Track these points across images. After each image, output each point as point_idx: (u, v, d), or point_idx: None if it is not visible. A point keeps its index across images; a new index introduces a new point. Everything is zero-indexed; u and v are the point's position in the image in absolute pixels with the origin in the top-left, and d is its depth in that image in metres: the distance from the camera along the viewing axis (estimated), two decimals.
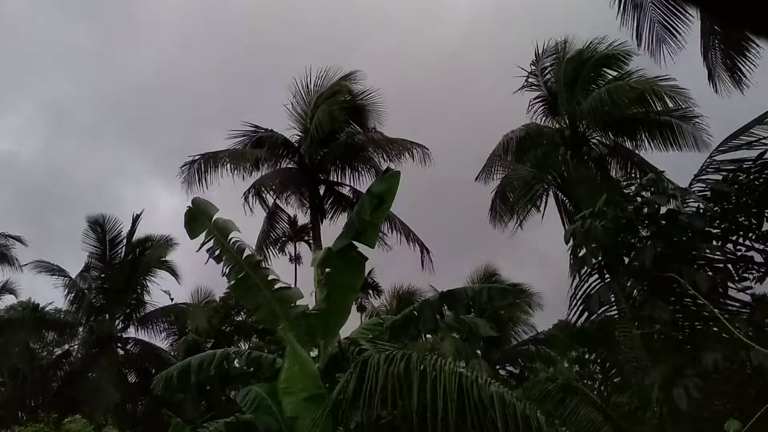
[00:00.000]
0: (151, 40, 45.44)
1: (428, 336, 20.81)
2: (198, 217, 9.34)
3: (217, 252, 9.20)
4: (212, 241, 9.24)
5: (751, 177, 7.10)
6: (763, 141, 7.18)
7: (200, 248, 9.24)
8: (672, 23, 11.66)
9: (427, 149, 22.17)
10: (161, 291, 25.05)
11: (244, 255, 9.14)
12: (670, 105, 17.55)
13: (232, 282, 9.25)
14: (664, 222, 6.99)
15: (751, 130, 7.34)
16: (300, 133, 22.95)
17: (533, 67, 19.73)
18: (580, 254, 7.14)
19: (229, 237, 9.17)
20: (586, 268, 7.17)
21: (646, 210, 7.07)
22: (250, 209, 22.37)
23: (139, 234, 24.76)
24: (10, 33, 43.70)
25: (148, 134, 43.48)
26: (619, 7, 11.56)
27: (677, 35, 11.70)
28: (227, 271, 9.22)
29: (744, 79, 11.60)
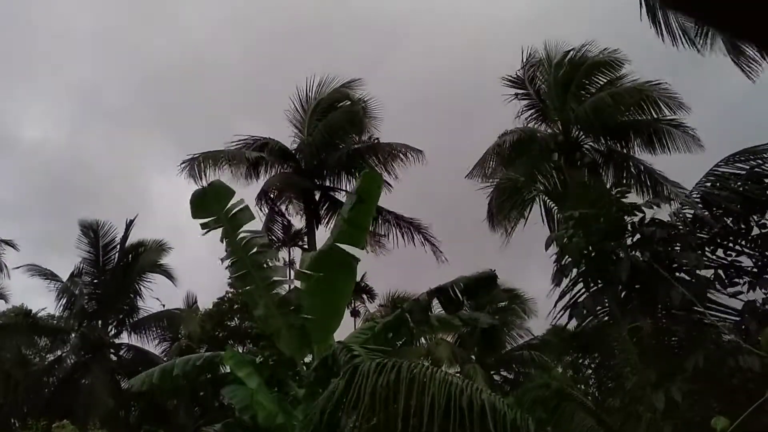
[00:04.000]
0: (185, 24, 44.87)
1: (423, 341, 20.88)
2: (210, 201, 9.11)
3: (225, 242, 9.14)
4: (220, 230, 9.10)
5: (742, 184, 7.14)
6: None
7: (205, 233, 9.13)
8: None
9: (422, 152, 22.21)
10: (154, 297, 24.98)
11: (250, 251, 9.02)
12: (665, 111, 17.64)
13: (234, 276, 9.26)
14: (646, 230, 6.99)
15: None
16: (298, 138, 23.05)
17: (520, 73, 19.73)
18: (562, 263, 7.15)
19: (240, 229, 9.05)
20: (567, 277, 7.18)
21: (630, 218, 7.08)
22: (263, 213, 22.58)
23: (133, 239, 24.74)
24: (40, 16, 43.35)
25: (178, 122, 42.93)
26: (647, 12, 11.56)
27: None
28: (230, 264, 9.20)
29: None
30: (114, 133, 45.51)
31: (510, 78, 19.75)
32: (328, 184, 23.55)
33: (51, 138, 44.92)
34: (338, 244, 8.79)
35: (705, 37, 11.26)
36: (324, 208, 23.44)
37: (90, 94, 44.52)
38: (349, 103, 22.60)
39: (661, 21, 11.36)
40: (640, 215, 7.00)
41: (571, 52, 18.69)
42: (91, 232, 24.10)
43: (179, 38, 44.31)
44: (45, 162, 42.84)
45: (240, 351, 25.24)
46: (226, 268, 9.32)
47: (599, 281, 7.09)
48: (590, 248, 6.84)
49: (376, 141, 22.68)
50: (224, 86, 40.41)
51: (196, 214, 9.09)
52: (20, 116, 45.56)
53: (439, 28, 42.90)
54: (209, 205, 9.08)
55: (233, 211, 9.09)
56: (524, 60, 19.61)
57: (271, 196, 22.87)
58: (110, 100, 44.97)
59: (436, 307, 10.79)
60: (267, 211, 23.40)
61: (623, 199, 7.17)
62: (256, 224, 21.51)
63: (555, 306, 7.41)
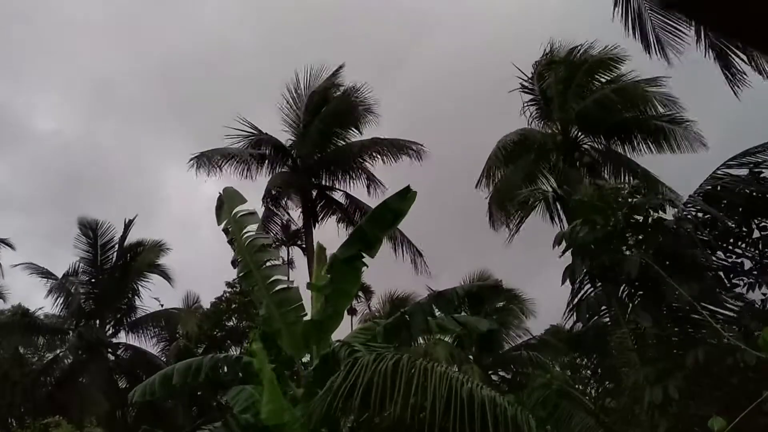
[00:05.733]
0: (201, 15, 44.60)
1: (421, 341, 20.86)
2: (224, 207, 9.54)
3: (233, 244, 9.36)
4: (230, 232, 9.39)
5: (743, 187, 7.17)
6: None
7: (228, 239, 9.43)
8: (673, 27, 11.69)
9: (423, 147, 22.21)
10: (153, 297, 24.95)
11: (253, 251, 9.16)
12: (661, 110, 17.67)
13: (240, 276, 9.40)
14: (652, 230, 7.03)
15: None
16: (293, 137, 23.02)
17: (531, 72, 19.75)
18: (570, 263, 7.18)
19: (244, 231, 9.27)
20: (577, 276, 7.20)
21: (635, 217, 7.11)
22: (270, 211, 22.57)
23: (142, 234, 24.80)
24: (53, 6, 43.03)
25: (192, 114, 42.61)
26: (622, 16, 11.58)
27: (679, 38, 11.72)
28: (237, 265, 9.39)
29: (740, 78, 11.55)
30: (127, 125, 45.33)
31: (517, 77, 19.81)
32: (324, 182, 23.52)
33: (64, 129, 44.73)
34: (361, 252, 8.81)
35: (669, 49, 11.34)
36: (320, 206, 23.40)
37: (104, 85, 44.35)
38: (340, 96, 22.43)
39: (636, 25, 11.40)
40: (646, 213, 7.02)
41: (575, 51, 18.68)
42: (90, 231, 24.05)
43: (195, 29, 44.13)
44: (57, 153, 42.68)
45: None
46: (236, 269, 9.55)
47: (605, 280, 7.11)
48: (597, 246, 6.85)
49: (371, 138, 22.60)
50: (241, 78, 40.16)
51: (219, 222, 9.56)
52: (33, 107, 45.29)
53: (466, 21, 42.67)
54: (224, 211, 9.52)
55: (240, 214, 9.42)
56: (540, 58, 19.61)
57: (273, 194, 22.86)
58: (124, 91, 44.77)
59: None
60: (269, 210, 23.38)
61: (631, 199, 7.18)
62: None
63: (570, 304, 7.41)
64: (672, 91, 17.49)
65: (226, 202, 9.56)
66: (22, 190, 41.54)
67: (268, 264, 9.22)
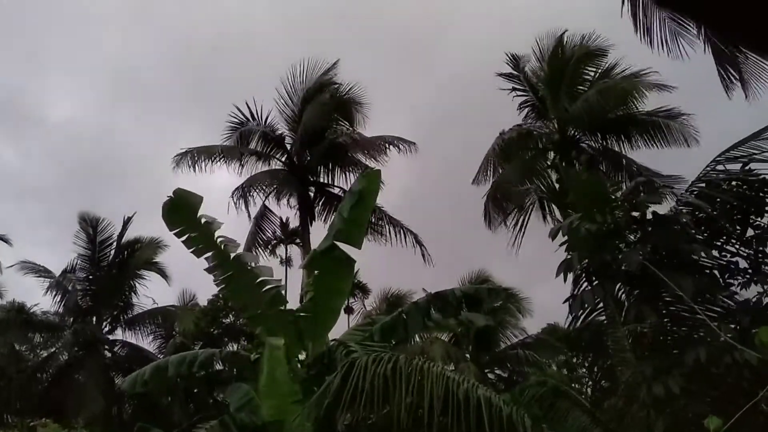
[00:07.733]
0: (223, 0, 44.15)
1: (417, 339, 20.89)
2: (180, 210, 8.76)
3: (200, 248, 8.84)
4: (196, 236, 8.81)
5: (736, 185, 7.17)
6: (761, 155, 7.26)
7: (182, 239, 8.85)
8: (680, 23, 11.63)
9: (414, 144, 22.15)
10: (147, 295, 24.89)
11: (233, 254, 8.85)
12: (655, 102, 17.67)
13: (219, 281, 9.03)
14: (651, 227, 7.03)
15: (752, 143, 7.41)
16: (289, 134, 22.93)
17: (515, 71, 19.72)
18: (567, 257, 7.17)
19: (216, 234, 8.79)
20: (573, 270, 7.20)
21: (634, 213, 7.11)
22: (238, 209, 22.28)
23: (129, 236, 24.63)
24: None
25: (210, 101, 42.05)
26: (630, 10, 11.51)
27: (686, 34, 11.66)
28: (214, 269, 8.99)
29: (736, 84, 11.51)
30: (144, 114, 45.02)
31: (508, 75, 19.78)
32: (323, 180, 23.44)
33: (79, 117, 44.42)
34: (336, 243, 8.75)
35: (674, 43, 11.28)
36: (320, 204, 23.31)
37: (121, 73, 44.02)
38: (329, 95, 22.34)
39: (641, 20, 11.31)
40: (646, 208, 7.02)
41: (562, 46, 18.65)
42: (90, 227, 23.99)
43: (216, 16, 43.75)
44: (72, 142, 42.39)
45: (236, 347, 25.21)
46: (209, 272, 9.08)
47: (601, 276, 7.10)
48: (595, 242, 6.85)
49: (356, 134, 22.53)
50: (262, 68, 39.69)
51: (172, 227, 8.86)
52: (48, 95, 44.94)
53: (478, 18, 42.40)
54: (181, 213, 8.80)
55: (205, 219, 8.84)
56: (515, 58, 19.61)
57: (258, 192, 22.70)
58: (141, 79, 44.46)
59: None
60: (265, 207, 23.24)
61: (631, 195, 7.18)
62: (240, 220, 21.35)
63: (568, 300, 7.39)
64: (670, 87, 17.48)
65: (181, 205, 8.75)
66: (36, 178, 41.34)
67: (252, 265, 9.01)
